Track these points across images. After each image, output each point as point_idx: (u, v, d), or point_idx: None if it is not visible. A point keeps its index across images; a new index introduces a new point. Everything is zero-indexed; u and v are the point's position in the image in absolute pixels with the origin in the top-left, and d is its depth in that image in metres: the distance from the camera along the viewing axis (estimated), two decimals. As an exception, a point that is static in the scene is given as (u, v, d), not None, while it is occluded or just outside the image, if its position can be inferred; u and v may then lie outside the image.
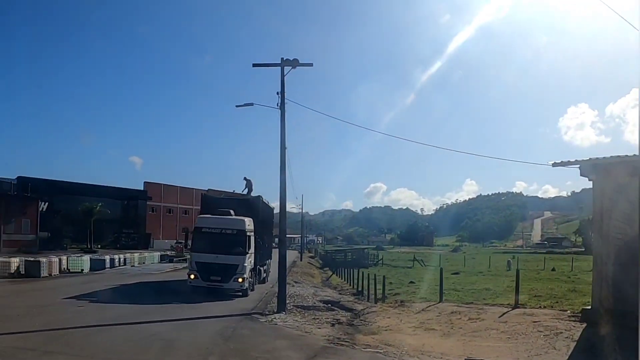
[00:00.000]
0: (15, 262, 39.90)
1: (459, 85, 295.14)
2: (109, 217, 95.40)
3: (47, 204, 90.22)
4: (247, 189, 38.20)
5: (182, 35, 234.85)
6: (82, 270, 45.25)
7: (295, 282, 42.77)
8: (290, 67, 24.65)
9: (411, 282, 39.99)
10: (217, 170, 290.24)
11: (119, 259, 52.85)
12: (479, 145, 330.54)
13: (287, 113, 24.81)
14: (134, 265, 55.02)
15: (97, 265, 47.85)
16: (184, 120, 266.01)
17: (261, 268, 36.28)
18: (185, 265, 57.74)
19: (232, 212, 31.26)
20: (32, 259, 41.22)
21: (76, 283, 35.47)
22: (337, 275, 57.94)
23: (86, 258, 46.86)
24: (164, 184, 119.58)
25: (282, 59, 24.60)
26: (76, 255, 49.54)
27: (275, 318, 21.92)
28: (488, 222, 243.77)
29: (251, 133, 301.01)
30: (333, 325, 20.82)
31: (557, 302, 25.24)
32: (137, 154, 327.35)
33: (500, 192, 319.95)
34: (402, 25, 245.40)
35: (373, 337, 18.08)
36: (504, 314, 21.51)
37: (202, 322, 20.24)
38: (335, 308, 27.24)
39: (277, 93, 24.91)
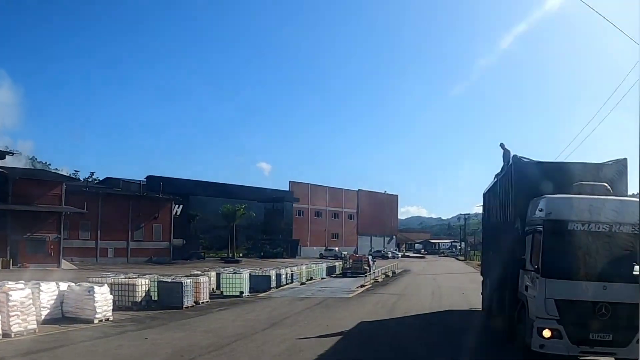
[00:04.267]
0: (142, 284, 24.33)
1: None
2: (250, 221, 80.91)
3: (181, 206, 76.92)
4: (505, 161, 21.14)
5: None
6: (242, 293, 29.39)
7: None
8: None
9: None
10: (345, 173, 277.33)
11: (286, 274, 36.68)
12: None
13: None
14: (303, 283, 38.86)
15: (259, 285, 32.26)
16: (311, 120, 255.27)
17: None
18: (372, 280, 41.24)
19: (607, 186, 13.70)
20: (168, 280, 25.44)
21: (254, 326, 18.84)
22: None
23: (245, 275, 30.73)
24: (310, 184, 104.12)
25: None
26: (228, 270, 33.72)
27: None
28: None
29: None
30: None
31: None
32: (265, 160, 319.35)
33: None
34: None
35: None
36: None
37: None
38: None
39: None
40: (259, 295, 30.31)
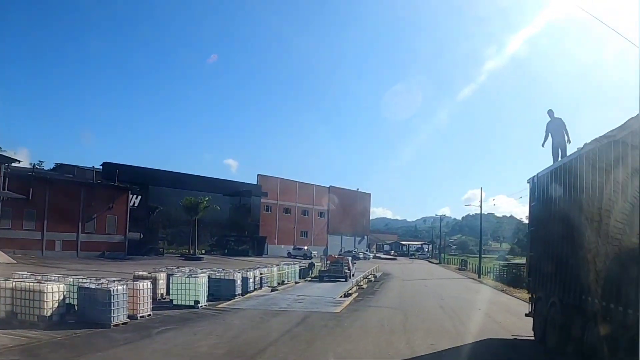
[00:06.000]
0: (55, 291, 16.74)
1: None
2: (215, 216, 72.98)
3: (139, 197, 68.73)
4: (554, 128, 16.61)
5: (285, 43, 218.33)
6: (197, 302, 21.90)
7: None
8: None
9: None
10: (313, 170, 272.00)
11: (254, 277, 29.11)
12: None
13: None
14: (274, 288, 31.43)
15: (220, 291, 25.17)
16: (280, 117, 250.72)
17: None
18: (355, 286, 33.92)
19: None
20: (92, 286, 17.58)
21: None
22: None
23: (202, 280, 23.03)
24: (280, 178, 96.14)
25: None
26: (183, 271, 26.14)
27: None
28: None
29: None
30: None
31: None
32: (233, 157, 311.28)
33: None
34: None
35: None
36: None
37: None
38: None
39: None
40: (220, 305, 22.93)
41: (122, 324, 16.83)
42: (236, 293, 25.65)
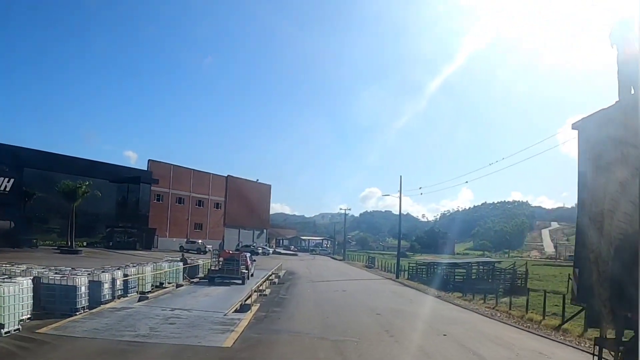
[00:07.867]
0: None
1: (462, 93, 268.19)
2: (103, 205, 62.82)
3: (12, 180, 57.72)
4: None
5: (186, 35, 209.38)
6: (1, 326, 13.15)
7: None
8: None
9: None
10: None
11: (112, 279, 20.31)
12: (477, 153, 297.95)
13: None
14: (144, 294, 22.65)
15: (55, 303, 16.57)
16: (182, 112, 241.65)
17: None
18: (256, 291, 25.51)
19: None
20: None
21: None
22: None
23: (13, 289, 14.07)
24: (173, 165, 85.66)
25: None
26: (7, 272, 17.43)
27: None
28: (500, 231, 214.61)
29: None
30: None
31: None
32: (133, 149, 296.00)
33: (507, 200, 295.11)
34: (407, 27, 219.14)
35: None
36: None
37: None
38: None
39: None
40: (43, 329, 14.25)
41: None
42: (79, 306, 17.00)
